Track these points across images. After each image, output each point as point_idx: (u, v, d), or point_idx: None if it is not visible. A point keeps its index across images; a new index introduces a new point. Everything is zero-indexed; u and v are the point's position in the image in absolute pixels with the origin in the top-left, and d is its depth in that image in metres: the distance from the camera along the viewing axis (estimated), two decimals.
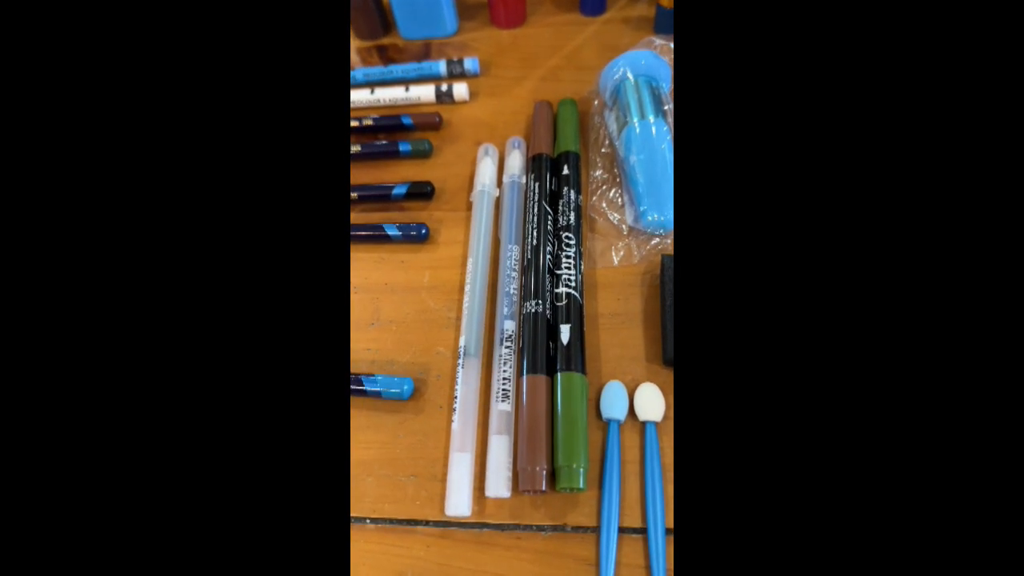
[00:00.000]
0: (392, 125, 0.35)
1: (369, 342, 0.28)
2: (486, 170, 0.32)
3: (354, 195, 0.32)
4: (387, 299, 0.29)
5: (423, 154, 0.34)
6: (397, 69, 0.38)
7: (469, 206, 0.32)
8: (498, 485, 0.23)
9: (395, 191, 0.32)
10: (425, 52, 0.41)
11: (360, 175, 0.34)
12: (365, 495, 0.24)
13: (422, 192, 0.32)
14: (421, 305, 0.29)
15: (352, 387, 0.26)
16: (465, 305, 0.27)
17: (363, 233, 0.31)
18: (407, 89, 0.36)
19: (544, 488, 0.22)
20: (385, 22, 0.42)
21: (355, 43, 0.42)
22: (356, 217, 0.32)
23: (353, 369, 0.27)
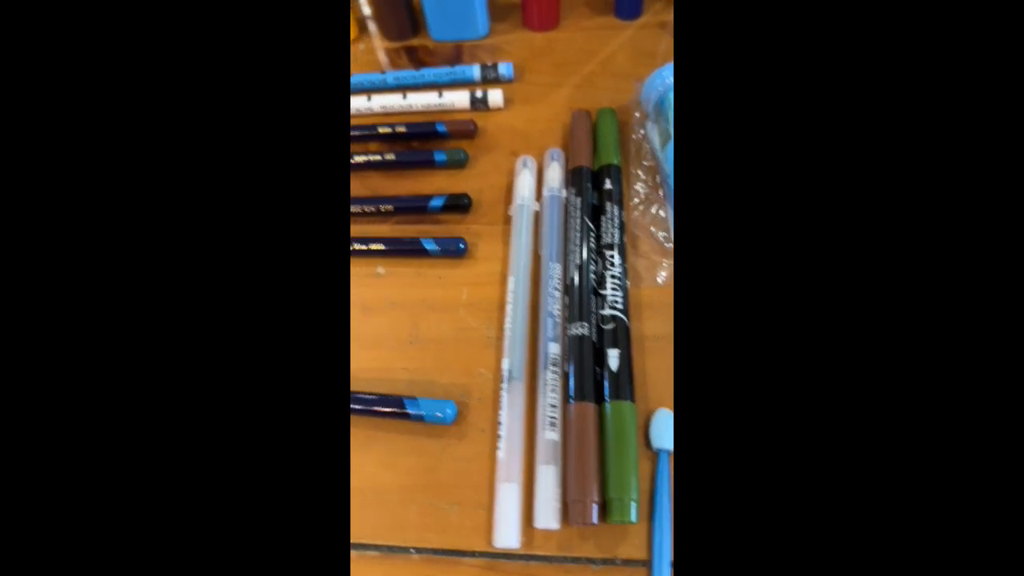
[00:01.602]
0: (426, 132, 0.34)
1: (408, 361, 0.27)
2: (525, 183, 0.31)
3: (389, 207, 0.31)
4: (425, 316, 0.29)
5: (458, 164, 0.33)
6: (429, 73, 0.37)
7: (507, 219, 0.31)
8: (547, 517, 0.22)
9: (432, 203, 0.31)
10: (456, 54, 0.39)
11: (393, 185, 0.33)
12: (408, 523, 0.23)
13: (459, 204, 0.31)
14: (460, 323, 0.28)
15: (393, 409, 0.25)
16: (507, 326, 0.27)
17: (401, 247, 0.30)
18: (440, 95, 0.35)
19: (595, 521, 0.22)
20: (414, 22, 0.41)
21: (383, 44, 0.41)
22: (392, 230, 0.32)
23: (392, 390, 0.26)
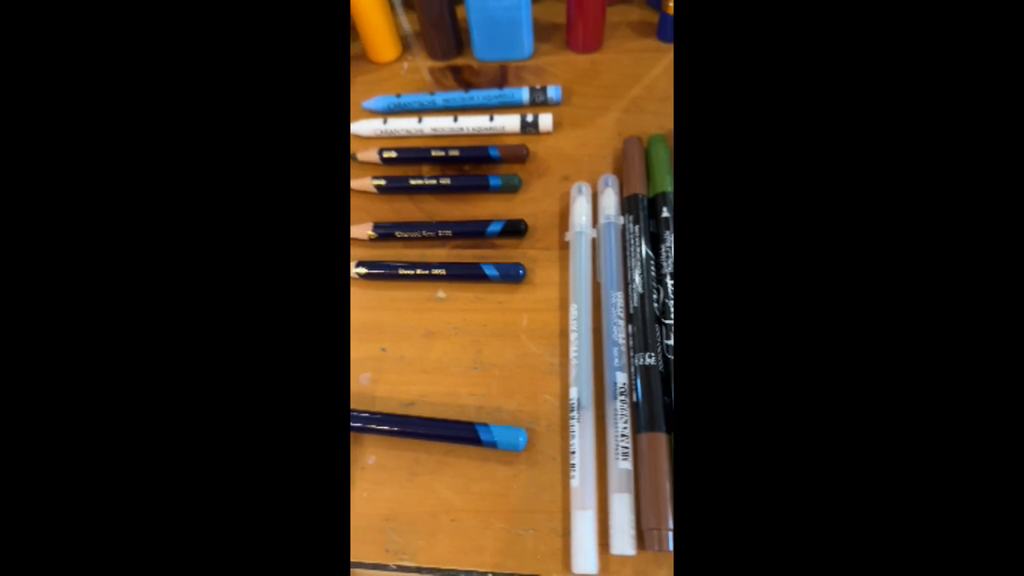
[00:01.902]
0: (479, 156, 0.35)
1: (473, 387, 0.28)
2: (581, 210, 0.31)
3: (448, 232, 0.32)
4: (487, 342, 0.29)
5: (513, 189, 0.34)
6: (479, 95, 0.37)
7: (562, 245, 0.32)
8: (623, 544, 0.23)
9: (490, 228, 0.31)
10: (501, 75, 0.40)
11: (447, 209, 0.34)
12: (485, 548, 0.24)
13: (516, 230, 0.32)
14: (522, 349, 0.29)
15: (465, 435, 0.26)
16: (572, 354, 0.27)
17: (461, 273, 0.30)
18: (492, 118, 0.36)
19: (671, 548, 0.23)
20: (459, 42, 0.41)
21: (428, 63, 0.41)
22: (449, 254, 0.32)
23: (461, 416, 0.27)
